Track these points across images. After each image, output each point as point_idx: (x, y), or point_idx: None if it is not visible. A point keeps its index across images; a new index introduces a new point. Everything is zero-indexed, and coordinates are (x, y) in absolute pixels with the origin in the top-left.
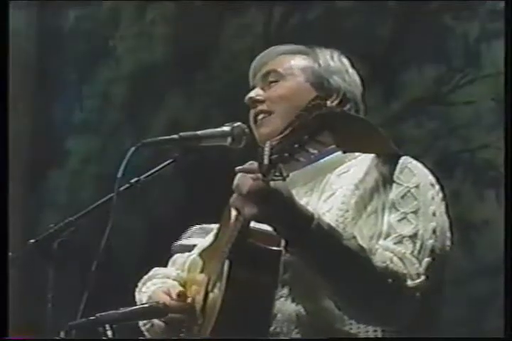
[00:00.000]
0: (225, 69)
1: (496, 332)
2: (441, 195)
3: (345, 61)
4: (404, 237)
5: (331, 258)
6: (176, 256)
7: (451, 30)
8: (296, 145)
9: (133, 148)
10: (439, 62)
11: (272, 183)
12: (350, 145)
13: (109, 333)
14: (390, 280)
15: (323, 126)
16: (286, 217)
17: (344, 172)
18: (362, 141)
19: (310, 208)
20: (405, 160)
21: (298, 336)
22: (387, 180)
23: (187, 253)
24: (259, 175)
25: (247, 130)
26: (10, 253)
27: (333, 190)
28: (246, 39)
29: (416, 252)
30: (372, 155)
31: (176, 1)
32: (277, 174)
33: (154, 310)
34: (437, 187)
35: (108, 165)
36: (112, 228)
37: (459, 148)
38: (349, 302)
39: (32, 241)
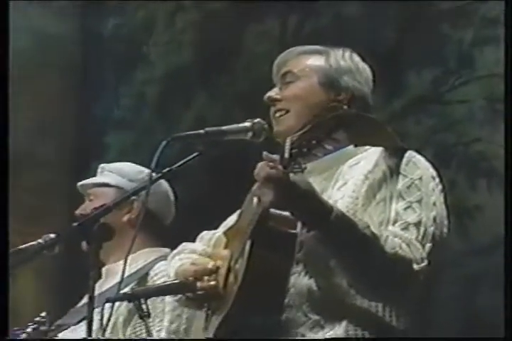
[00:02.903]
0: (246, 72)
1: (487, 306)
2: (440, 186)
3: (357, 59)
4: (409, 224)
5: (348, 246)
6: (204, 233)
7: (448, 36)
8: (314, 142)
9: (164, 142)
10: (437, 65)
11: (291, 175)
12: (362, 140)
13: (144, 307)
14: (399, 264)
15: (339, 125)
16: (306, 207)
17: (355, 164)
18: (372, 137)
19: (325, 196)
20: (410, 154)
21: (308, 309)
22: (394, 172)
23: (213, 231)
24: (279, 165)
25: (266, 126)
26: (21, 247)
27: (345, 180)
28: (264, 44)
29: (420, 238)
30: (380, 149)
31: (202, 11)
32: (296, 166)
33: (183, 286)
34: (437, 179)
35: (142, 157)
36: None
37: (455, 141)
38: (361, 282)
39: (75, 224)
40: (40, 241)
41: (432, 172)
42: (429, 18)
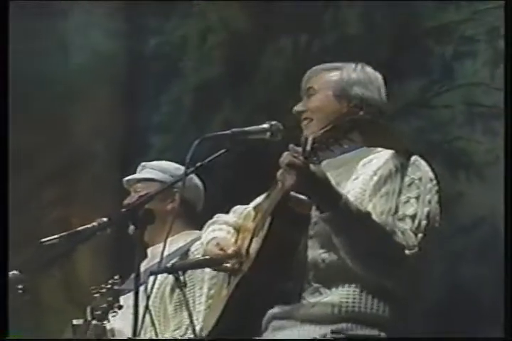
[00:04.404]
0: (264, 83)
1: (468, 277)
2: (436, 188)
3: (368, 70)
4: (406, 216)
5: (351, 228)
6: (237, 206)
7: (433, 51)
8: (331, 140)
9: (197, 141)
10: (424, 76)
11: (310, 165)
12: (374, 142)
13: (181, 278)
14: (393, 248)
15: (354, 127)
16: (321, 192)
17: (368, 162)
18: (383, 140)
19: (340, 188)
20: (415, 158)
21: (312, 278)
22: (398, 171)
23: (245, 206)
24: (301, 156)
25: (281, 127)
26: (78, 229)
27: (358, 175)
28: (280, 60)
29: (414, 228)
30: (391, 151)
31: (228, 32)
32: (315, 159)
33: (211, 261)
34: (435, 182)
35: (179, 154)
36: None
37: (440, 140)
38: (359, 260)
39: (123, 209)
40: (94, 224)
41: (431, 175)
42: (417, 36)
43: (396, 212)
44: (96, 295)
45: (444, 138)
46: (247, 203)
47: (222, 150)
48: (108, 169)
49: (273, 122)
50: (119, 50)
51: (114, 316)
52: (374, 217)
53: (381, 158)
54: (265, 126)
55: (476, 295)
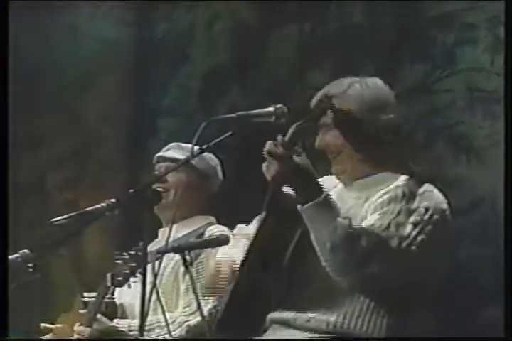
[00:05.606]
0: (270, 68)
1: (466, 257)
2: (447, 220)
3: (346, 82)
4: (396, 236)
5: (325, 225)
6: None
7: (435, 38)
8: (304, 134)
9: (204, 123)
10: (426, 61)
11: (294, 156)
12: (358, 144)
13: (188, 257)
14: (366, 254)
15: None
16: (301, 183)
17: (385, 188)
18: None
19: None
20: (427, 187)
21: (327, 267)
22: (406, 196)
23: None
24: (280, 146)
25: (286, 110)
26: (87, 209)
27: (371, 197)
28: (284, 46)
29: (401, 249)
30: (405, 177)
31: (234, 19)
32: (294, 149)
33: (220, 241)
34: (447, 213)
35: (186, 136)
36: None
37: (441, 124)
38: (326, 260)
39: (131, 190)
40: (103, 204)
41: (443, 206)
42: (420, 24)
43: (387, 228)
44: (118, 262)
45: (445, 123)
46: (257, 188)
47: (228, 133)
48: (118, 150)
49: (278, 105)
50: (128, 37)
51: (135, 282)
52: (352, 221)
53: (395, 183)
54: (270, 109)
55: (476, 276)
